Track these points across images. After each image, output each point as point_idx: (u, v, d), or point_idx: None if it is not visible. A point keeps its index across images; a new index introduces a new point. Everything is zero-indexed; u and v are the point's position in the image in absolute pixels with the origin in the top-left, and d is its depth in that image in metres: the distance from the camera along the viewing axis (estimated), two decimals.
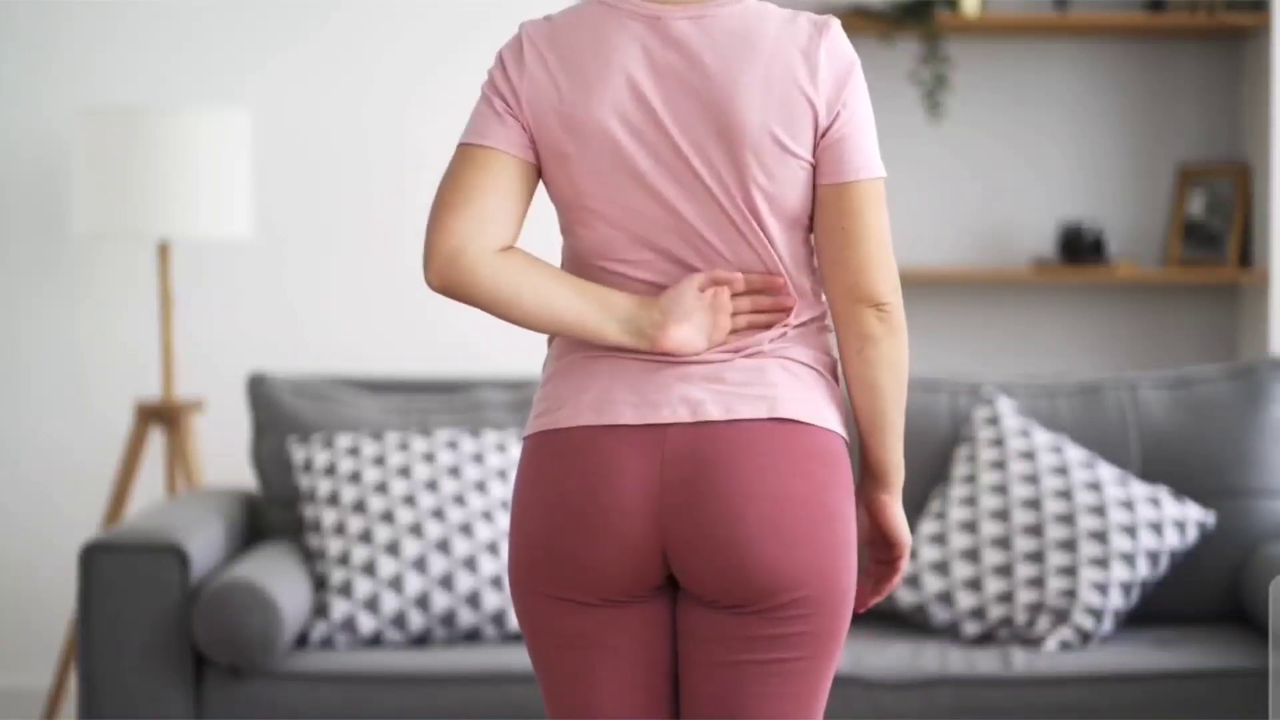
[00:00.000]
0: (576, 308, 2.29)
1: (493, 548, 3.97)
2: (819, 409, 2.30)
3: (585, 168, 2.29)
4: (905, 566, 2.44)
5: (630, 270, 2.32)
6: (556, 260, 2.38)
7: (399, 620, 3.92)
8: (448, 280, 2.27)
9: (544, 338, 2.41)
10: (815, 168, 2.30)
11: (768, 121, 2.26)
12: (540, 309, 2.29)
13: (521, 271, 2.28)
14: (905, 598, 4.00)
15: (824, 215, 2.31)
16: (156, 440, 4.90)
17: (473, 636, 3.97)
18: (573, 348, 2.34)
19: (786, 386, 2.29)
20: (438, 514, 3.99)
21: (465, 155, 2.31)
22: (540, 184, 2.35)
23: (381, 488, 4.03)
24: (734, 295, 2.32)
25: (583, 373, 2.31)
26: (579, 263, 2.34)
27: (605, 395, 2.28)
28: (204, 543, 3.90)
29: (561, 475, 2.28)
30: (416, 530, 3.97)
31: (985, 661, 3.79)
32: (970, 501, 4.03)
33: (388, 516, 3.99)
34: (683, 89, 2.28)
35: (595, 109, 2.27)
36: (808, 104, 2.27)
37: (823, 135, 2.29)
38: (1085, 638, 3.88)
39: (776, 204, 2.29)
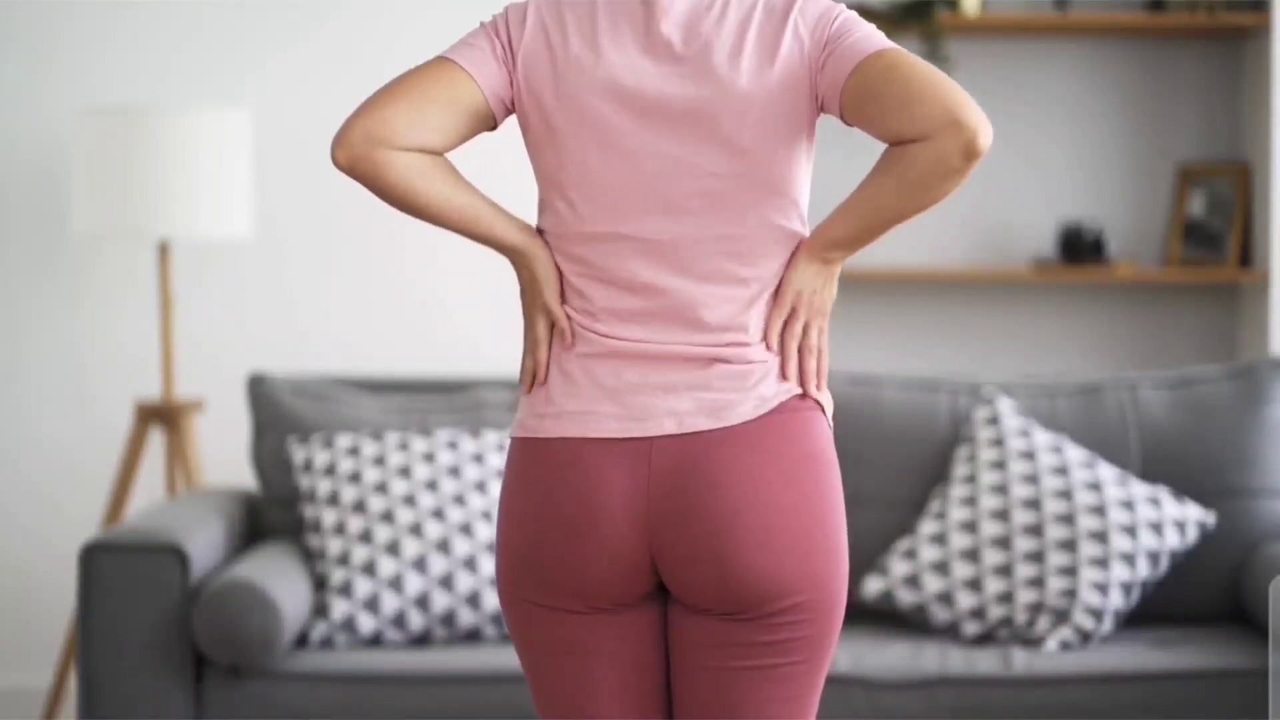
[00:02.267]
0: (478, 204, 2.28)
1: (493, 547, 3.96)
2: (807, 408, 2.29)
3: (571, 142, 2.27)
4: (804, 330, 2.28)
5: (608, 245, 2.28)
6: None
7: (399, 620, 3.92)
8: (357, 163, 2.24)
9: None
10: (825, 97, 2.24)
11: (763, 87, 2.24)
12: (441, 202, 2.26)
13: (432, 168, 2.25)
14: (905, 598, 4.00)
15: (863, 97, 2.19)
16: (156, 440, 4.90)
17: (473, 636, 3.97)
18: (558, 347, 2.32)
19: (771, 386, 2.27)
20: (438, 514, 3.99)
21: (439, 64, 2.29)
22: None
23: (381, 488, 4.02)
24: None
25: (567, 377, 2.29)
26: (556, 237, 2.31)
27: (589, 405, 2.27)
28: (204, 543, 3.89)
29: (548, 486, 2.27)
30: (416, 530, 3.97)
31: (985, 661, 3.79)
32: (970, 501, 4.02)
33: (388, 516, 3.99)
34: (675, 65, 2.26)
35: (589, 83, 2.26)
36: (798, 49, 2.24)
37: (820, 66, 2.24)
38: (1085, 638, 3.88)
39: (765, 173, 2.26)
